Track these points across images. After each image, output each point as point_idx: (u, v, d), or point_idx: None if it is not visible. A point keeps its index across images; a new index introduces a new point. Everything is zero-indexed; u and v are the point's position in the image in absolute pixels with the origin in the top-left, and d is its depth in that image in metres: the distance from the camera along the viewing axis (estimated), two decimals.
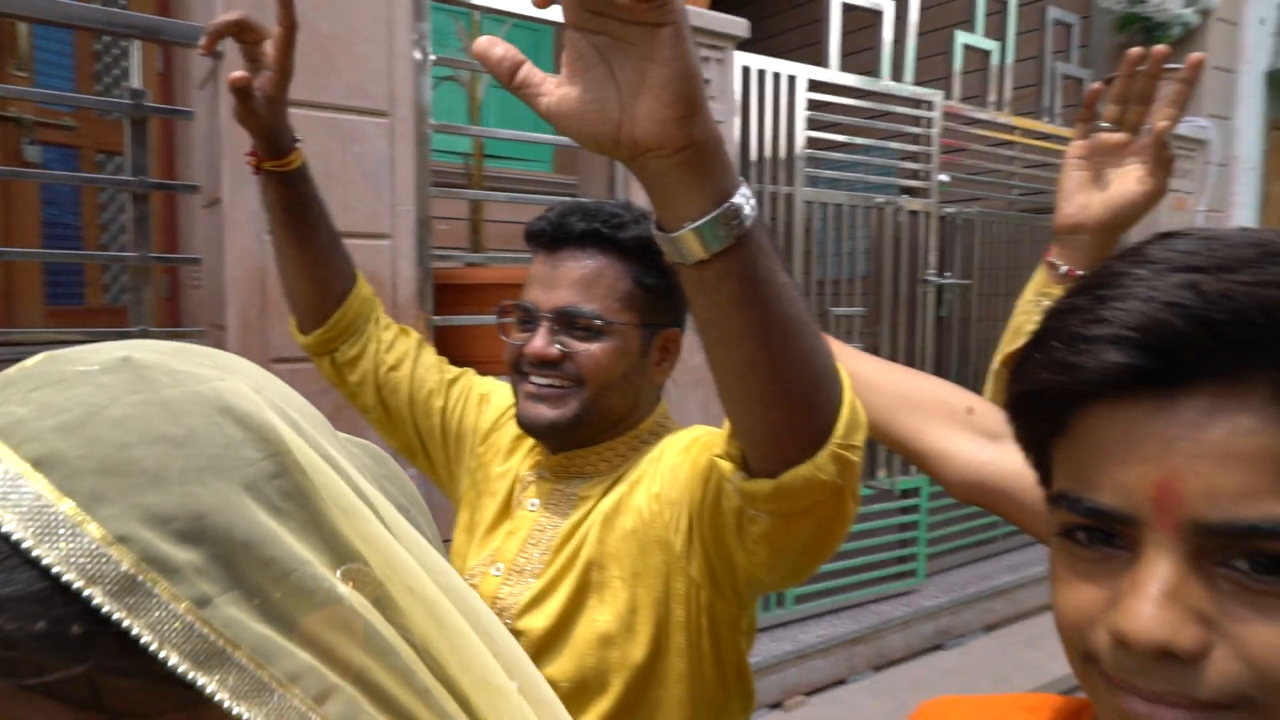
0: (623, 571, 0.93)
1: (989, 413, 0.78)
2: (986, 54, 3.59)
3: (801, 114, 2.88)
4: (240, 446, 0.30)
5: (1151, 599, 0.39)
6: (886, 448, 0.76)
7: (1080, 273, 0.98)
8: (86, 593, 0.27)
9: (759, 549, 0.76)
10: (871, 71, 3.11)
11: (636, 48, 0.53)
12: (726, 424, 0.74)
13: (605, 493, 1.00)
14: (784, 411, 0.66)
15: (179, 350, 0.34)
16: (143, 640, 0.27)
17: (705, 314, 0.63)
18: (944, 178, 3.30)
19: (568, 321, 0.98)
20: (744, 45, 2.66)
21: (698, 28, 2.52)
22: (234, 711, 0.28)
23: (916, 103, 3.21)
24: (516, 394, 1.03)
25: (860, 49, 3.15)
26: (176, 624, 0.27)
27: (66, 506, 0.27)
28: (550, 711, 0.38)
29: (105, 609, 0.27)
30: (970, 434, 0.77)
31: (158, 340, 0.35)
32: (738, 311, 0.61)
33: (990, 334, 3.69)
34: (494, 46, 0.55)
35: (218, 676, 0.28)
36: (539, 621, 0.95)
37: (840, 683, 2.97)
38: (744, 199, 0.58)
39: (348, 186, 1.81)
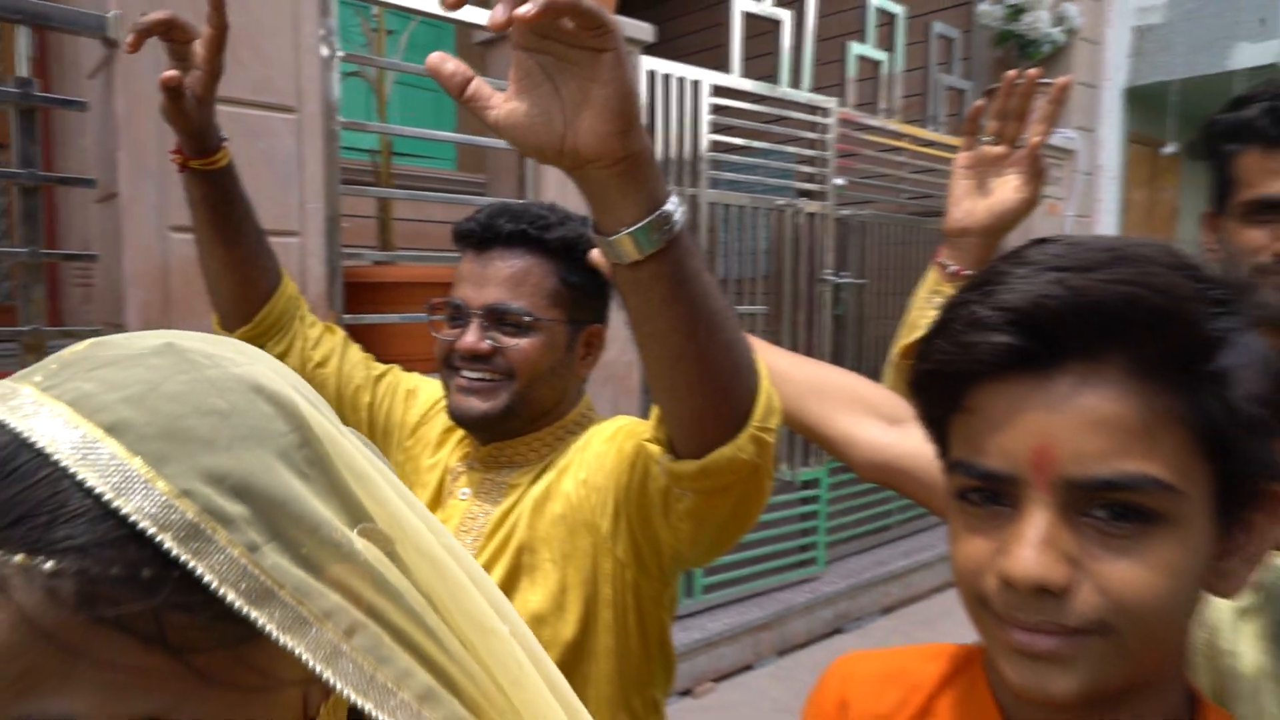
0: (553, 554, 0.97)
1: (890, 400, 0.87)
2: (877, 64, 3.78)
3: (705, 118, 2.96)
4: (272, 420, 0.35)
5: (1031, 545, 0.46)
6: (798, 436, 0.83)
7: (968, 272, 1.07)
8: (159, 538, 0.30)
9: (684, 525, 0.82)
10: (771, 78, 3.24)
11: (580, 69, 0.58)
12: (654, 412, 0.79)
13: (534, 480, 1.04)
14: (709, 398, 0.72)
15: (208, 339, 0.38)
16: (205, 580, 0.31)
17: (639, 311, 0.68)
18: (840, 181, 3.46)
19: (498, 318, 1.02)
20: (650, 49, 2.73)
21: None
22: (280, 642, 0.32)
23: (813, 109, 3.35)
24: (447, 388, 1.06)
25: (760, 53, 3.27)
26: (233, 566, 0.31)
27: (137, 465, 0.31)
28: (534, 652, 0.43)
29: (174, 552, 0.30)
30: (874, 420, 0.84)
31: (184, 330, 0.39)
32: (668, 308, 0.67)
33: (884, 331, 3.88)
34: (445, 63, 0.59)
35: (266, 612, 0.32)
36: None
37: (747, 668, 3.08)
38: (674, 206, 0.64)
39: (255, 183, 1.76)
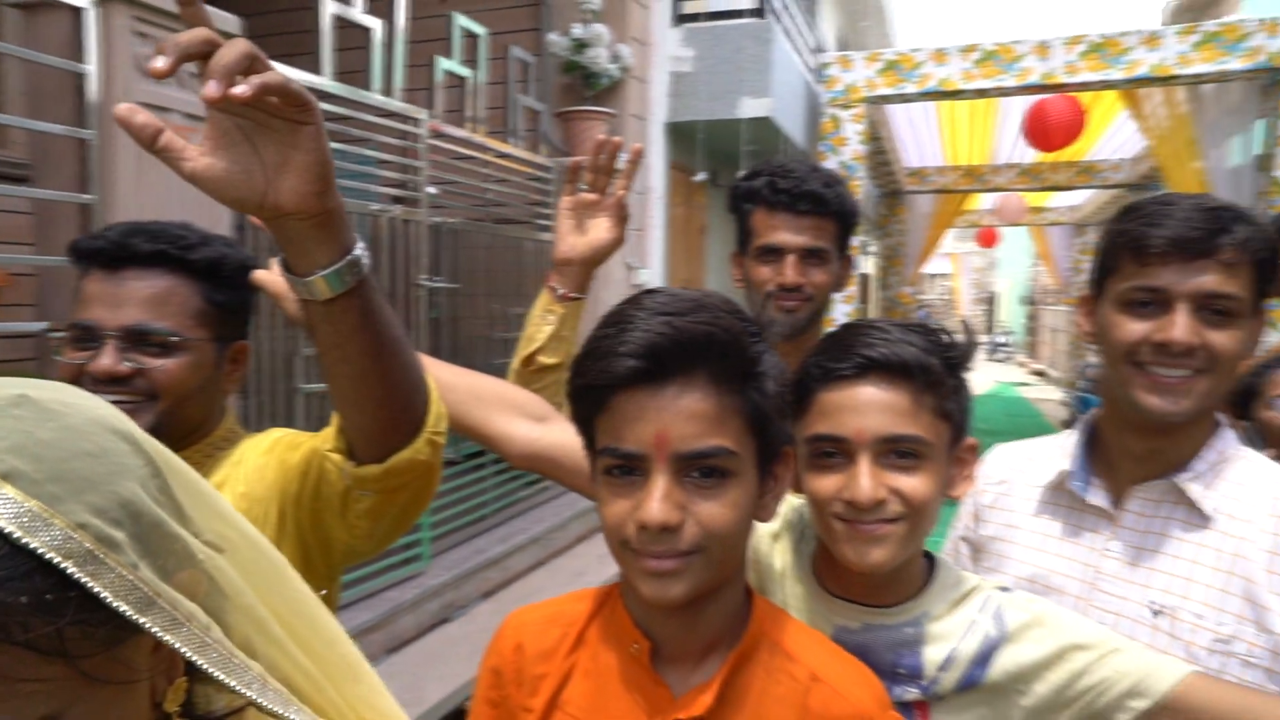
0: None
1: (534, 402, 1.07)
2: (463, 79, 4.00)
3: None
4: (129, 455, 0.42)
5: (657, 500, 0.69)
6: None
7: (573, 295, 1.32)
8: (64, 566, 0.37)
9: (362, 522, 0.93)
10: (361, 85, 3.26)
11: (281, 136, 0.67)
12: (333, 424, 0.89)
13: None
14: (390, 410, 0.85)
15: (45, 385, 0.43)
16: (103, 596, 0.38)
17: (329, 339, 0.79)
18: (432, 190, 3.61)
19: (138, 339, 1.01)
20: None
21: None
22: (164, 639, 0.40)
23: (405, 118, 3.45)
24: None
25: (350, 59, 3.27)
26: (123, 583, 0.39)
27: (36, 506, 0.37)
28: (337, 632, 0.54)
29: (78, 577, 0.37)
30: (524, 419, 1.04)
31: (23, 378, 0.43)
32: (355, 336, 0.78)
33: (476, 331, 4.13)
34: (135, 114, 0.63)
35: (150, 617, 0.40)
36: None
37: None
38: (361, 251, 0.75)
39: None
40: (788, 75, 6.02)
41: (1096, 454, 1.10)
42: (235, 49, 0.63)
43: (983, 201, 12.59)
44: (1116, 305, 1.01)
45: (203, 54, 0.63)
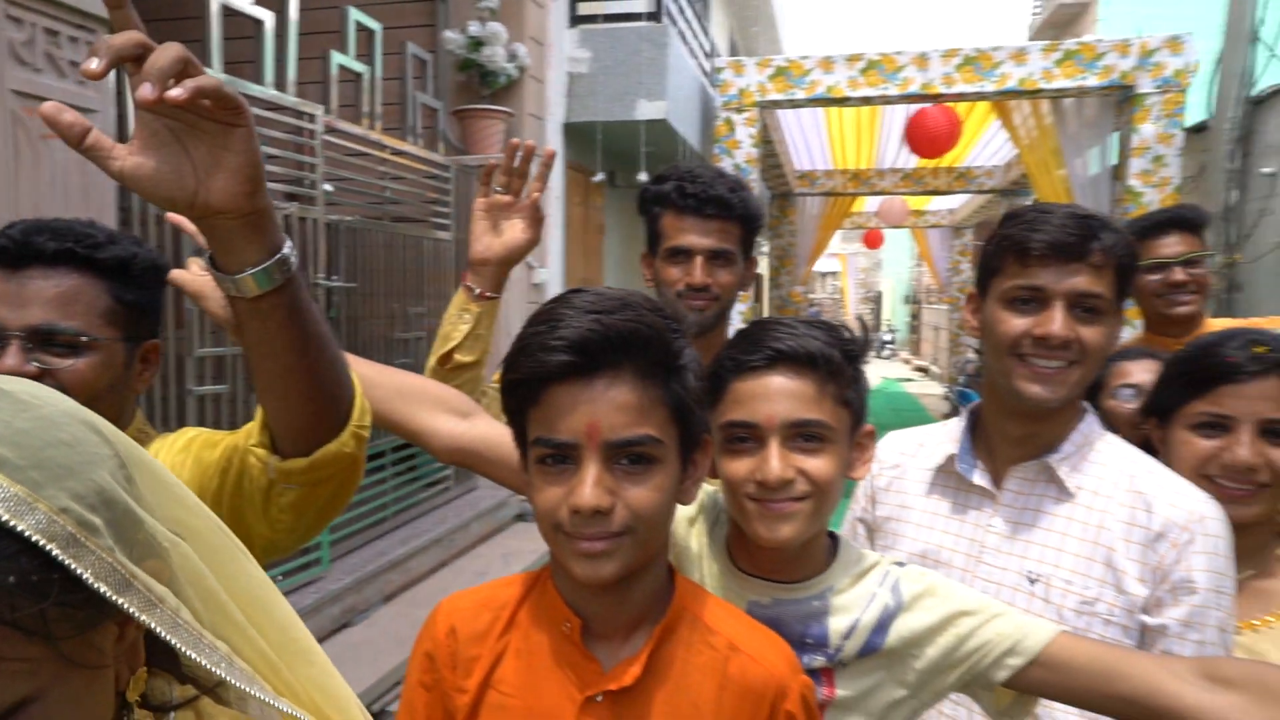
0: None
1: (458, 398, 1.09)
2: (358, 75, 3.91)
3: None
4: (100, 445, 0.44)
5: (589, 485, 0.73)
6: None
7: (490, 294, 1.35)
8: (49, 548, 0.38)
9: (284, 516, 0.94)
10: (252, 79, 3.16)
11: (212, 138, 0.68)
12: (257, 420, 0.90)
13: None
14: (315, 404, 0.87)
15: (14, 380, 0.44)
16: (84, 578, 0.40)
17: (256, 335, 0.80)
18: (328, 187, 3.52)
19: (44, 339, 0.99)
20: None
21: (63, 3, 2.30)
22: (140, 619, 0.42)
23: (299, 113, 3.36)
24: None
25: (240, 54, 3.17)
26: (102, 565, 0.41)
27: (22, 491, 0.39)
28: (290, 616, 0.56)
29: (61, 558, 0.39)
30: (449, 414, 1.06)
31: None
32: (283, 332, 0.80)
33: (374, 331, 4.05)
34: (62, 113, 0.64)
35: (128, 598, 0.42)
36: None
37: None
38: (290, 250, 0.77)
39: None
40: (683, 79, 6.14)
41: (979, 439, 1.21)
42: (168, 53, 0.64)
43: (868, 204, 13.13)
44: (1000, 302, 1.12)
45: (134, 56, 0.64)
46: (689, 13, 6.73)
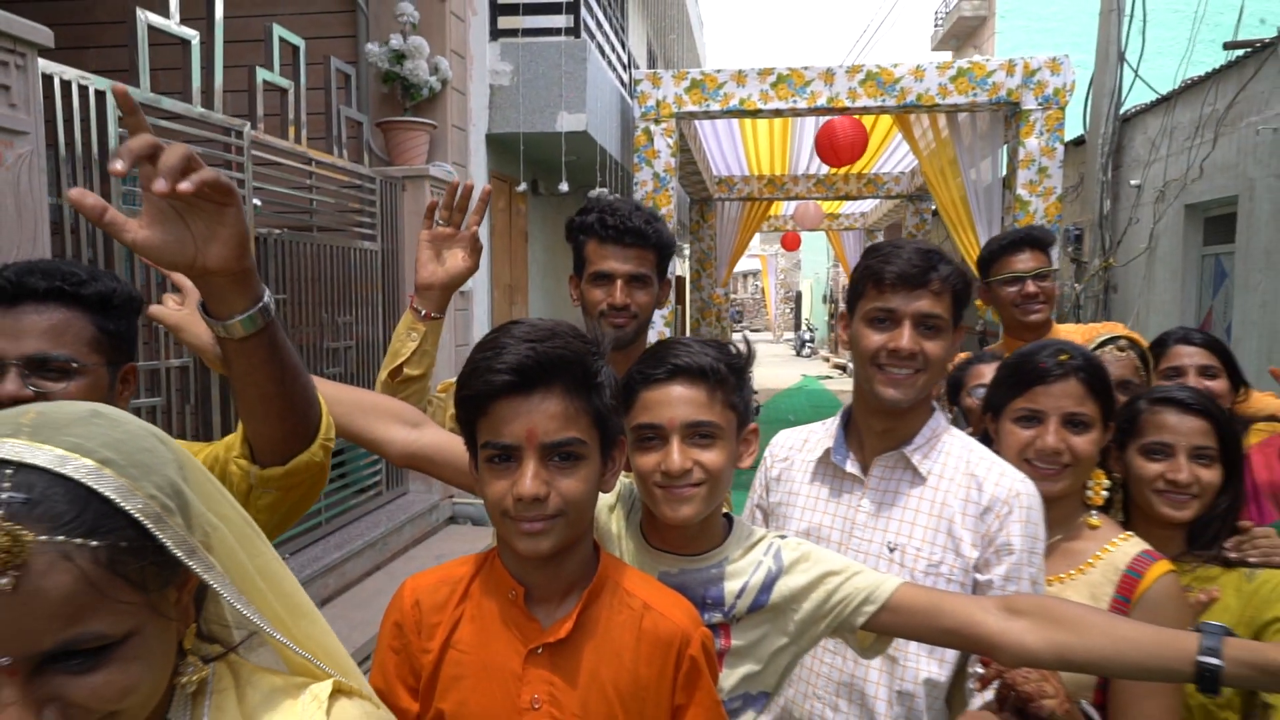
0: None
1: (408, 410, 1.27)
2: (284, 91, 3.99)
3: (114, 130, 2.86)
4: (166, 452, 0.62)
5: (529, 479, 0.93)
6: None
7: (435, 315, 1.53)
8: (145, 523, 0.57)
9: (261, 515, 1.10)
10: (179, 96, 3.23)
11: (207, 215, 0.85)
12: (238, 435, 1.07)
13: None
14: (290, 422, 1.04)
15: (103, 405, 0.62)
16: (167, 545, 0.58)
17: (241, 368, 0.96)
18: (257, 202, 3.60)
19: (39, 366, 1.13)
20: (48, 54, 2.56)
21: None
22: (203, 578, 0.60)
23: (227, 130, 3.44)
24: None
25: (170, 64, 3.23)
26: (179, 537, 0.59)
27: (126, 483, 0.56)
28: (295, 584, 0.74)
29: (153, 531, 0.57)
30: (402, 425, 1.24)
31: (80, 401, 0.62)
32: (264, 366, 0.97)
33: (304, 341, 4.13)
34: (86, 197, 0.80)
35: (194, 562, 0.60)
36: None
37: None
38: (269, 298, 0.94)
39: None
40: (602, 91, 6.34)
41: (851, 434, 1.45)
42: (177, 153, 0.80)
43: (785, 208, 13.60)
44: (863, 321, 1.36)
45: (149, 156, 0.80)
46: (607, 27, 6.93)
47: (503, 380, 0.94)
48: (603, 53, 6.58)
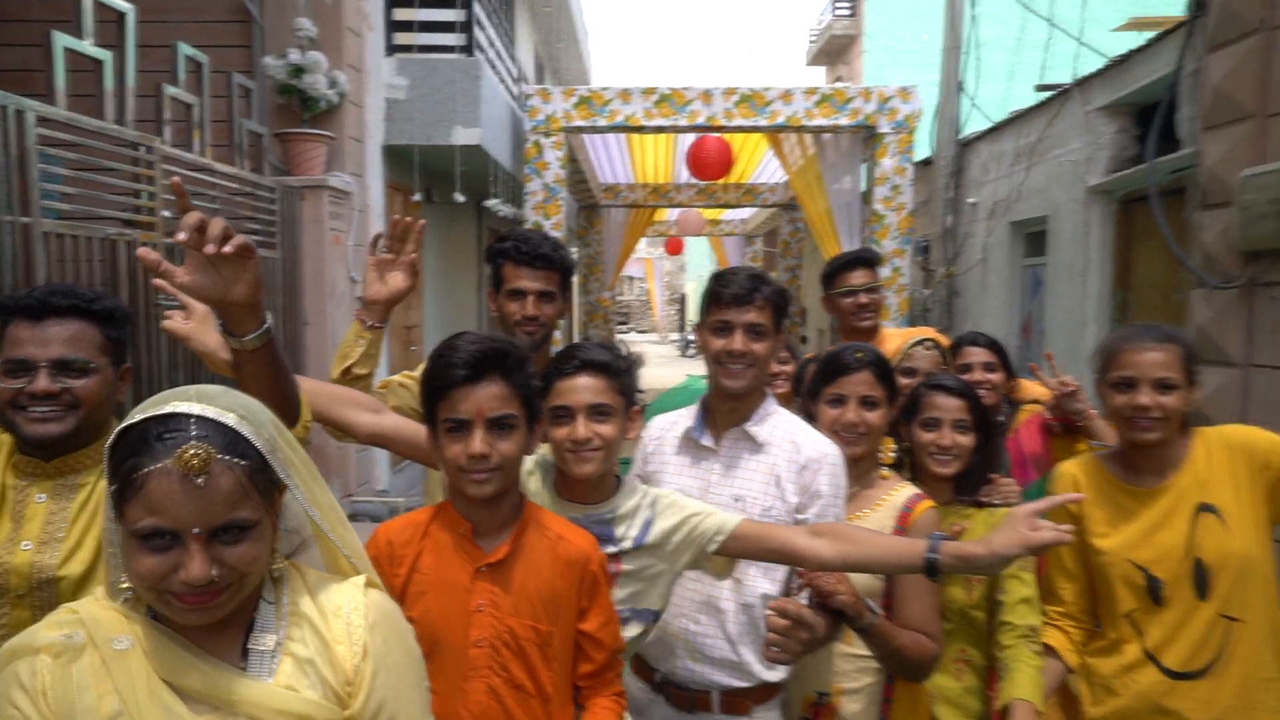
0: None
1: (370, 400, 1.63)
2: (189, 106, 4.16)
3: (34, 147, 3.02)
4: (267, 415, 1.00)
5: (478, 443, 1.32)
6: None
7: (378, 325, 1.88)
8: (265, 452, 0.95)
9: None
10: (92, 113, 3.39)
11: (233, 266, 1.22)
12: None
13: (100, 477, 1.48)
14: (280, 411, 1.38)
15: (225, 386, 0.98)
16: (275, 469, 0.96)
17: (249, 370, 1.32)
18: (166, 213, 3.77)
19: (62, 367, 1.45)
20: None
21: None
22: (299, 497, 0.98)
23: (138, 146, 3.60)
24: (15, 424, 1.42)
25: (85, 82, 3.38)
26: (283, 464, 0.97)
27: (250, 429, 0.94)
28: (335, 501, 1.11)
29: (269, 458, 0.95)
30: (366, 411, 1.60)
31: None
32: (265, 369, 1.33)
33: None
34: (149, 255, 1.16)
35: (293, 483, 0.97)
36: (76, 568, 1.41)
37: None
38: (270, 322, 1.30)
39: None
40: (495, 107, 6.66)
41: (708, 415, 1.89)
42: (219, 225, 1.17)
43: (669, 215, 14.20)
44: (708, 330, 1.81)
45: (199, 228, 1.16)
46: (499, 43, 7.25)
47: (459, 373, 1.32)
48: (493, 67, 6.89)
